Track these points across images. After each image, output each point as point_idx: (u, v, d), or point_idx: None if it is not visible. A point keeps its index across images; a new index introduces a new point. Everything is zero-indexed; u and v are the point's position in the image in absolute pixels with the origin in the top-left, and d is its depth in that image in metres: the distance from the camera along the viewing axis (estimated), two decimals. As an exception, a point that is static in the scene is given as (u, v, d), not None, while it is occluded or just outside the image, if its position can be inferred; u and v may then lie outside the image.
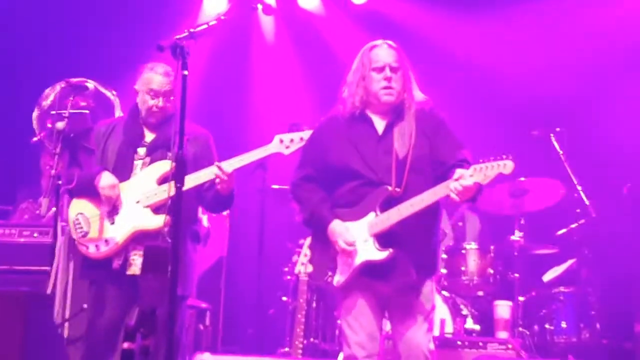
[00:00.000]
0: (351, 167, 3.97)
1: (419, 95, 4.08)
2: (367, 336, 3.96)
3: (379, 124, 4.05)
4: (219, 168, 4.21)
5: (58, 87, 4.33)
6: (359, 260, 3.90)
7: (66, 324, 5.26)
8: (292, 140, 4.24)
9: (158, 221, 4.27)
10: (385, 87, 4.00)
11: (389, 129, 4.03)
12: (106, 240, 4.32)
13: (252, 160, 4.29)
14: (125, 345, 2.92)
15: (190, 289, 4.47)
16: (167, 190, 4.17)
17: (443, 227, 5.58)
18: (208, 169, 4.27)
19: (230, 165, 4.25)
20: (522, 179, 6.18)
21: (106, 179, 4.35)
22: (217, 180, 4.23)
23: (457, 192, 3.71)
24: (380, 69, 4.01)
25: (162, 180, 4.34)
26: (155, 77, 4.45)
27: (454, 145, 3.99)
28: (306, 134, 4.24)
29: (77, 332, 5.02)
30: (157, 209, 4.33)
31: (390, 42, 4.10)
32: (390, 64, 4.01)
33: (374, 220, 3.89)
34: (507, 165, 3.66)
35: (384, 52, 4.05)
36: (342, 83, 4.15)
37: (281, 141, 4.25)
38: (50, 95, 4.28)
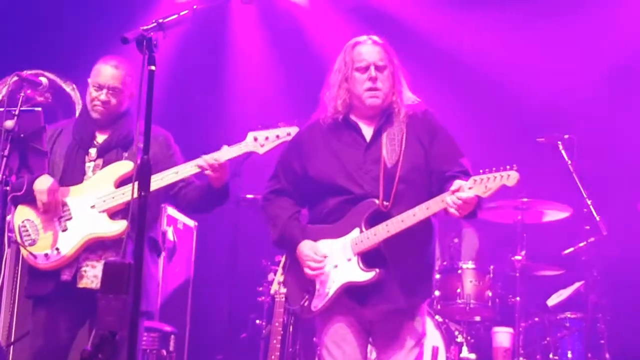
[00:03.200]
0: (334, 181, 3.98)
1: (409, 96, 4.08)
2: (350, 364, 3.99)
3: (366, 131, 4.06)
4: (206, 161, 4.26)
5: (10, 80, 4.32)
6: (340, 281, 3.92)
7: (11, 348, 5.26)
8: (267, 138, 4.28)
9: (116, 227, 4.34)
10: (370, 89, 4.00)
11: (377, 135, 4.03)
12: (57, 249, 4.34)
13: (226, 158, 4.31)
14: (82, 372, 2.94)
15: (148, 306, 4.48)
16: (126, 193, 4.28)
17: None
18: (188, 164, 4.33)
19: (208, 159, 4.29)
20: (525, 199, 6.23)
21: (43, 183, 4.37)
22: (210, 174, 4.28)
23: (455, 206, 3.72)
24: (364, 69, 4.00)
25: (121, 183, 4.39)
26: (102, 68, 4.54)
27: (453, 153, 4.00)
28: (282, 131, 4.28)
29: (23, 357, 5.02)
30: (114, 215, 4.38)
31: (375, 37, 4.10)
32: (375, 63, 4.01)
33: (359, 237, 3.91)
34: (510, 177, 3.69)
35: (368, 49, 4.04)
36: (324, 84, 4.16)
37: (255, 139, 4.29)
38: (2, 90, 4.29)
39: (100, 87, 4.52)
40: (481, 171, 3.76)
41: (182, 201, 4.57)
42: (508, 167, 3.72)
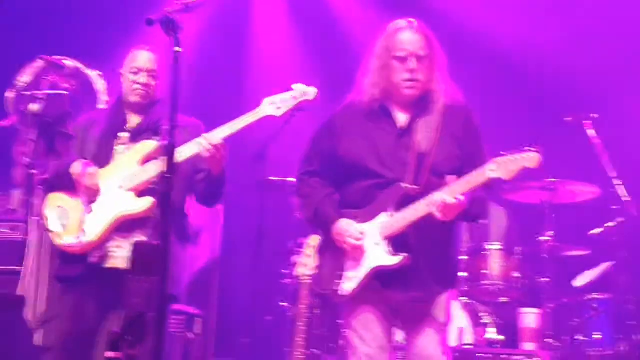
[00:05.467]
0: (365, 164, 4.00)
1: (449, 86, 4.07)
2: (378, 348, 4.04)
3: (402, 118, 4.07)
4: (205, 139, 4.25)
5: (35, 65, 4.40)
6: (369, 266, 3.95)
7: (40, 330, 5.34)
8: (282, 100, 4.29)
9: (142, 204, 4.38)
10: (408, 80, 4.00)
11: (412, 122, 4.04)
12: (85, 232, 4.40)
13: (243, 126, 4.31)
14: (110, 354, 2.97)
15: (175, 290, 4.54)
16: (149, 170, 4.32)
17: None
18: (192, 142, 4.30)
19: (220, 133, 4.30)
20: (553, 179, 6.23)
21: (78, 167, 4.44)
22: (207, 154, 4.27)
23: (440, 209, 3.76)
24: (404, 59, 3.98)
25: (146, 162, 4.45)
26: (138, 53, 4.65)
27: (480, 159, 3.99)
28: (298, 91, 4.28)
29: (52, 339, 5.09)
30: (141, 193, 4.42)
31: (416, 24, 4.05)
32: (416, 53, 3.98)
33: (387, 221, 3.93)
34: (532, 158, 3.70)
35: (409, 37, 4.00)
36: (361, 66, 4.12)
37: (271, 103, 4.30)
38: (26, 74, 4.36)
39: (139, 71, 4.60)
40: (502, 153, 3.76)
41: (198, 192, 4.61)
42: (529, 147, 3.71)
